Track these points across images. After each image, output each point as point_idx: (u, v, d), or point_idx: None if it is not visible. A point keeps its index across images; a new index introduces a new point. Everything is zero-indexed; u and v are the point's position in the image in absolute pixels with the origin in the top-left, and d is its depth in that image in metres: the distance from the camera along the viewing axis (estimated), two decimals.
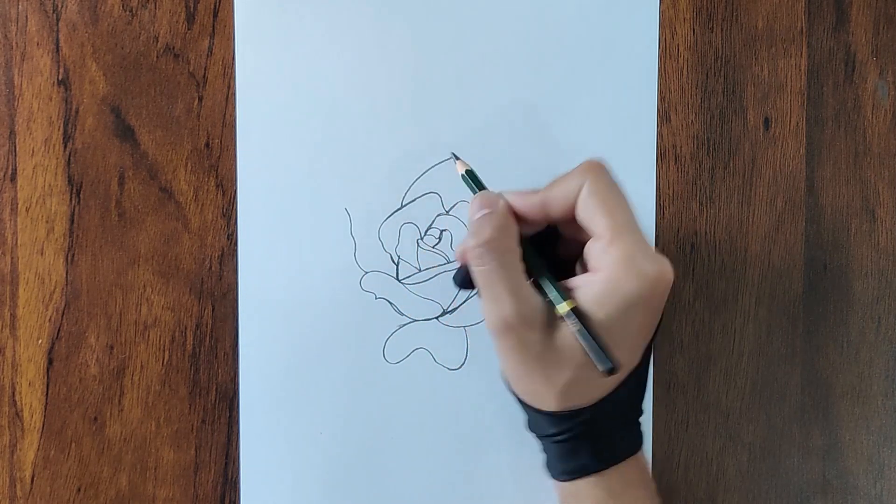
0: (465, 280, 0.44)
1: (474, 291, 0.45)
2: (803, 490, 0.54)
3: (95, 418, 0.52)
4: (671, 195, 0.53)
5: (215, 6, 0.52)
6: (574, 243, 0.44)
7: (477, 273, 0.43)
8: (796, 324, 0.54)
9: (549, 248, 0.45)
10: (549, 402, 0.43)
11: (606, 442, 0.44)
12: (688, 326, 0.54)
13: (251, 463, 0.52)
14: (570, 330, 0.41)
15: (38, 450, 0.52)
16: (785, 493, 0.54)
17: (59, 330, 0.52)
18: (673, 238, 0.53)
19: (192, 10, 0.52)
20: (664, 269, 0.42)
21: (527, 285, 0.42)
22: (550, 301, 0.42)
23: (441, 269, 0.52)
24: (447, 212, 0.52)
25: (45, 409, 0.52)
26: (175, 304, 0.52)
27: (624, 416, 0.45)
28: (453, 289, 0.52)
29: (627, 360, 0.43)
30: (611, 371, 0.40)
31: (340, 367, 0.52)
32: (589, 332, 0.41)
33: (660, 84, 0.53)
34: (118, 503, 0.52)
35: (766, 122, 0.54)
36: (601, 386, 0.43)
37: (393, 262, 0.52)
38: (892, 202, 0.54)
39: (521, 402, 0.45)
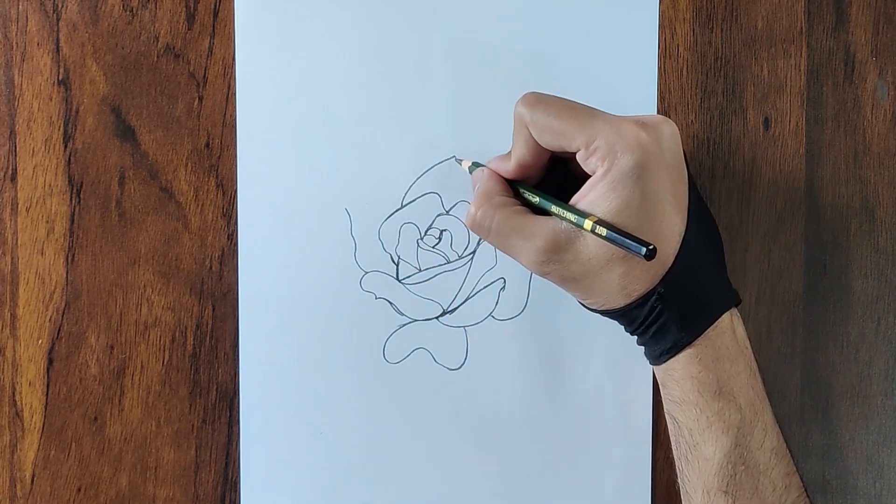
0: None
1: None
2: None
3: (95, 418, 0.52)
4: None
5: (215, 6, 0.52)
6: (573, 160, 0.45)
7: (489, 241, 0.46)
8: (796, 324, 0.54)
9: (560, 178, 0.46)
10: (618, 300, 0.44)
11: (691, 309, 0.44)
12: None
13: (251, 463, 0.52)
14: (597, 239, 0.42)
15: (38, 450, 0.52)
16: None
17: (59, 330, 0.52)
18: None
19: (192, 10, 0.52)
20: (651, 129, 0.42)
21: (533, 220, 0.44)
22: (565, 221, 0.43)
23: (441, 269, 0.52)
24: (447, 212, 0.52)
25: (46, 409, 0.52)
26: (175, 304, 0.52)
27: (701, 280, 0.44)
28: (453, 289, 0.52)
29: (668, 229, 0.43)
30: (651, 253, 0.40)
31: (340, 367, 0.52)
32: (616, 233, 0.41)
33: (660, 84, 0.53)
34: (118, 503, 0.52)
35: (766, 122, 0.54)
36: (658, 265, 0.43)
37: (393, 262, 0.52)
38: (892, 202, 0.54)
39: (598, 311, 0.46)
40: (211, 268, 0.52)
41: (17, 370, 0.52)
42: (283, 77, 0.52)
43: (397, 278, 0.52)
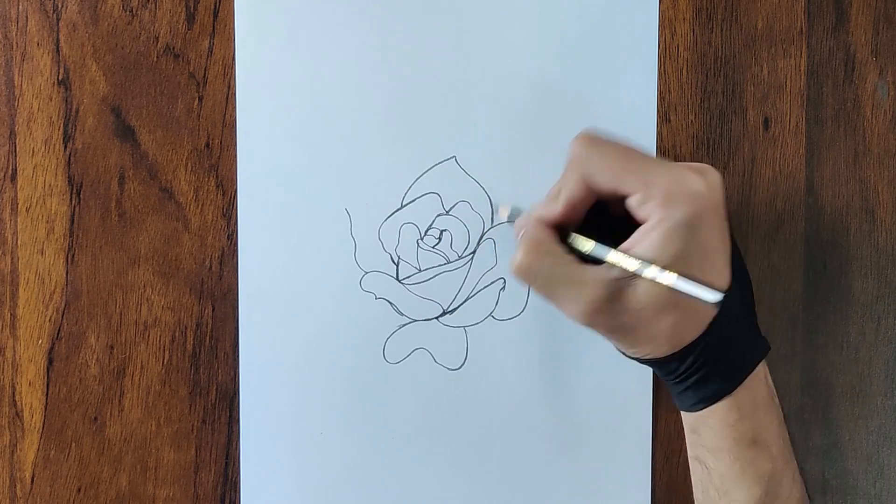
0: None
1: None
2: None
3: (95, 418, 0.52)
4: None
5: (215, 6, 0.52)
6: (617, 202, 0.44)
7: (536, 290, 0.44)
8: (796, 324, 0.54)
9: (601, 221, 0.45)
10: (662, 350, 0.43)
11: (732, 359, 0.44)
12: None
13: (251, 463, 0.52)
14: (662, 285, 0.41)
15: (38, 450, 0.52)
16: None
17: (59, 330, 0.52)
18: None
19: (192, 10, 0.52)
20: (705, 178, 0.42)
21: (581, 270, 0.43)
22: (616, 270, 0.42)
23: (441, 269, 0.52)
24: (447, 212, 0.52)
25: (46, 409, 0.52)
26: (175, 304, 0.52)
27: (740, 330, 0.44)
28: (453, 289, 0.52)
29: (718, 277, 0.42)
30: (720, 302, 0.40)
31: (340, 367, 0.52)
32: (682, 279, 0.41)
33: (660, 84, 0.53)
34: (118, 503, 0.52)
35: (766, 122, 0.54)
36: (704, 315, 0.43)
37: (393, 262, 0.52)
38: (892, 202, 0.54)
39: (637, 360, 0.46)
40: (211, 268, 0.52)
41: (17, 370, 0.52)
42: (283, 77, 0.52)
43: (397, 278, 0.52)
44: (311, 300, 0.52)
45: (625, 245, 0.43)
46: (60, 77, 0.51)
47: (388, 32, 0.52)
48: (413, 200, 0.52)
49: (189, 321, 0.52)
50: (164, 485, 0.52)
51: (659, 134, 0.53)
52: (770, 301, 0.54)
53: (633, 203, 0.42)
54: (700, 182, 0.41)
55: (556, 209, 0.44)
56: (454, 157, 0.52)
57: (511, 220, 0.48)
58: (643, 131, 0.53)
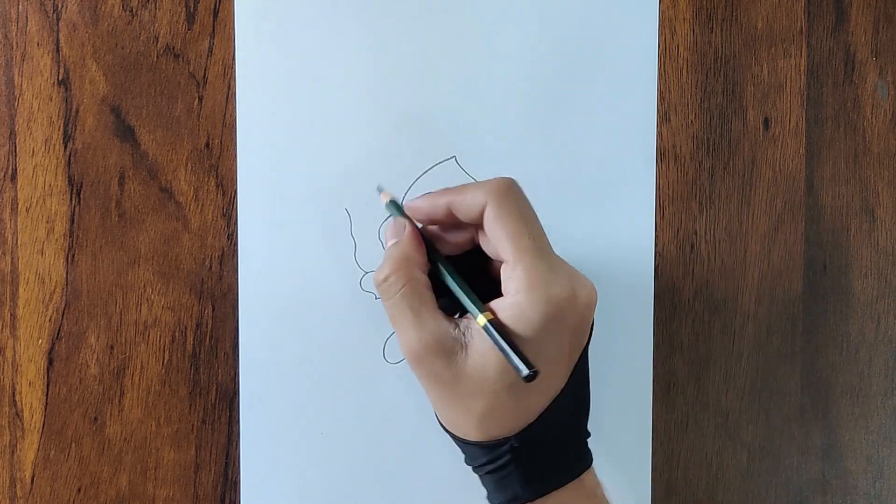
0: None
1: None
2: (803, 490, 0.55)
3: (95, 418, 0.52)
4: (671, 195, 0.53)
5: (215, 6, 0.52)
6: (495, 263, 0.44)
7: (385, 306, 0.43)
8: (796, 324, 0.54)
9: (478, 269, 0.44)
10: (470, 431, 0.43)
11: (539, 470, 0.42)
12: (687, 326, 0.54)
13: (251, 463, 0.52)
14: (490, 364, 0.40)
15: (38, 450, 0.52)
16: (784, 493, 0.54)
17: (59, 330, 0.52)
18: (673, 238, 0.53)
19: (192, 10, 0.52)
20: (576, 290, 0.41)
21: (432, 313, 0.42)
22: (458, 327, 0.42)
23: None
24: None
25: (46, 409, 0.52)
26: (175, 304, 0.52)
27: (560, 442, 0.43)
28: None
29: (547, 385, 0.42)
30: (530, 377, 0.39)
31: (340, 367, 0.52)
32: (505, 340, 0.39)
33: (660, 84, 0.53)
34: (118, 503, 0.52)
35: (766, 122, 0.54)
36: (523, 414, 0.42)
37: None
38: (892, 202, 0.54)
39: (448, 432, 0.45)
40: (211, 268, 0.52)
41: (17, 370, 0.52)
42: (283, 77, 0.52)
43: None
44: (311, 300, 0.52)
45: (492, 303, 0.42)
46: (60, 77, 0.51)
47: (388, 32, 0.52)
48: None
49: (189, 321, 0.52)
50: (164, 485, 0.52)
51: (659, 134, 0.53)
52: (770, 301, 0.54)
53: (503, 271, 0.42)
54: (568, 287, 0.41)
55: (439, 202, 0.43)
56: (454, 157, 0.52)
57: (388, 209, 0.47)
58: (643, 131, 0.53)
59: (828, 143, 0.54)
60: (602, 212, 0.53)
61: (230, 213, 0.52)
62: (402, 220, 0.45)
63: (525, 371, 0.39)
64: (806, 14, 0.54)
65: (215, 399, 0.52)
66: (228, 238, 0.52)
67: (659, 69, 0.53)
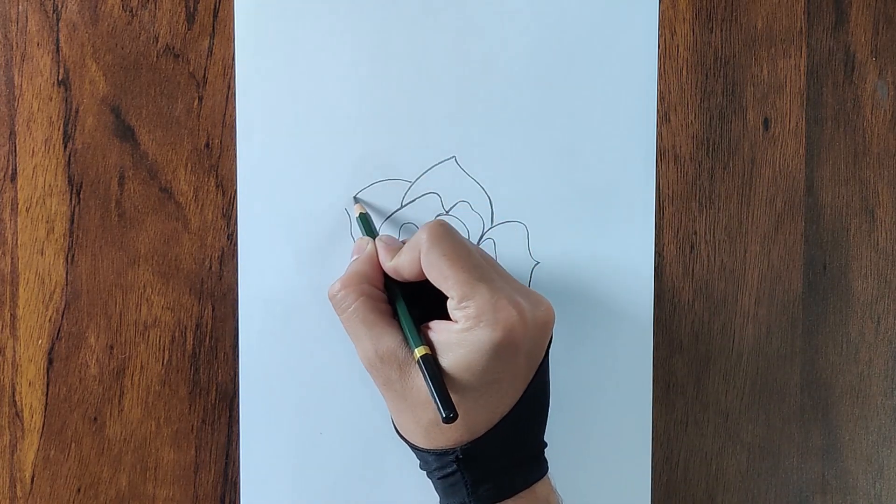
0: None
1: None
2: (803, 490, 0.55)
3: (95, 418, 0.52)
4: (671, 195, 0.53)
5: (215, 6, 0.52)
6: None
7: (340, 318, 0.46)
8: (796, 324, 0.54)
9: (433, 295, 0.45)
10: (419, 439, 0.44)
11: (487, 479, 0.44)
12: (687, 326, 0.54)
13: (251, 463, 0.52)
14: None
15: (38, 450, 0.52)
16: (784, 493, 0.54)
17: (59, 330, 0.52)
18: (673, 238, 0.53)
19: (192, 10, 0.52)
20: (525, 313, 0.42)
21: (385, 325, 0.44)
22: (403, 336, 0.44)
23: None
24: (447, 212, 0.52)
25: (45, 409, 0.52)
26: (175, 304, 0.52)
27: (511, 454, 0.44)
28: None
29: (496, 403, 0.43)
30: (448, 420, 0.40)
31: (340, 367, 0.52)
32: (432, 380, 0.41)
33: (660, 84, 0.53)
34: (118, 503, 0.52)
35: (766, 122, 0.54)
36: (470, 429, 0.43)
37: None
38: (892, 202, 0.54)
39: (401, 437, 0.46)
40: (211, 268, 0.52)
41: (17, 370, 0.52)
42: (283, 77, 0.52)
43: None
44: (311, 300, 0.52)
45: (431, 323, 0.44)
46: (60, 77, 0.51)
47: (388, 32, 0.52)
48: (413, 200, 0.52)
49: (189, 321, 0.52)
50: (164, 485, 0.52)
51: (659, 134, 0.53)
52: (770, 301, 0.54)
53: (449, 306, 0.43)
54: (513, 314, 0.42)
55: (386, 262, 0.46)
56: (454, 157, 0.52)
57: (358, 223, 0.50)
58: (643, 131, 0.53)
59: (828, 144, 0.54)
60: (602, 212, 0.53)
61: (230, 213, 0.52)
62: (366, 239, 0.48)
63: (443, 414, 0.40)
64: (806, 14, 0.54)
65: (215, 399, 0.52)
66: (228, 238, 0.52)
67: (659, 69, 0.53)
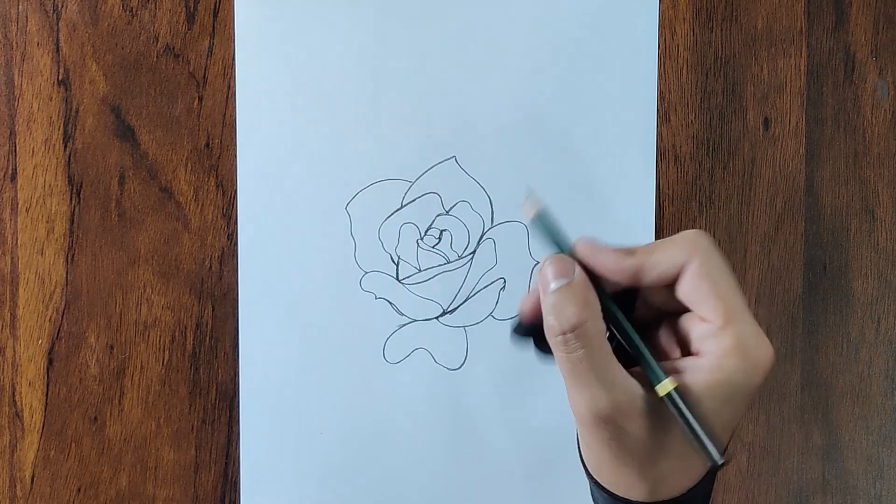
0: (527, 332, 0.39)
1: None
2: (803, 490, 0.55)
3: (95, 418, 0.52)
4: (671, 195, 0.53)
5: (215, 6, 0.52)
6: (652, 306, 0.39)
7: (562, 360, 0.37)
8: (796, 324, 0.54)
9: (628, 310, 0.39)
10: (639, 493, 0.38)
11: None
12: None
13: (251, 463, 0.52)
14: (671, 413, 0.36)
15: (38, 450, 0.52)
16: (785, 493, 0.54)
17: (59, 330, 0.52)
18: None
19: (192, 10, 0.52)
20: (770, 354, 0.37)
21: (621, 370, 0.36)
22: (649, 384, 0.36)
23: (441, 269, 0.52)
24: (447, 212, 0.52)
25: (45, 409, 0.52)
26: (175, 304, 0.52)
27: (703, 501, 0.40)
28: (453, 289, 0.52)
29: (720, 443, 0.37)
30: (719, 466, 0.34)
31: (340, 367, 0.52)
32: (694, 416, 0.35)
33: (660, 84, 0.53)
34: (118, 503, 0.52)
35: (766, 122, 0.54)
36: (692, 474, 0.38)
37: (393, 262, 0.52)
38: (892, 202, 0.54)
39: (601, 488, 0.40)
40: (211, 268, 0.52)
41: (17, 370, 0.52)
42: (283, 77, 0.52)
43: (397, 278, 0.52)
44: (311, 300, 0.52)
45: (667, 363, 0.37)
46: (60, 77, 0.51)
47: (388, 33, 0.52)
48: (413, 200, 0.52)
49: (189, 321, 0.52)
50: (164, 485, 0.52)
51: (659, 134, 0.53)
52: (770, 301, 0.54)
53: (698, 328, 0.37)
54: (767, 355, 0.36)
55: (624, 263, 0.37)
56: (454, 157, 0.52)
57: (534, 224, 0.39)
58: (643, 131, 0.53)
59: (828, 144, 0.54)
60: (602, 212, 0.53)
61: (230, 213, 0.52)
62: (566, 258, 0.38)
63: (718, 459, 0.34)
64: (806, 14, 0.54)
65: (215, 399, 0.52)
66: (228, 238, 0.52)
67: (659, 69, 0.53)
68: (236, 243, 0.52)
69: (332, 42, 0.52)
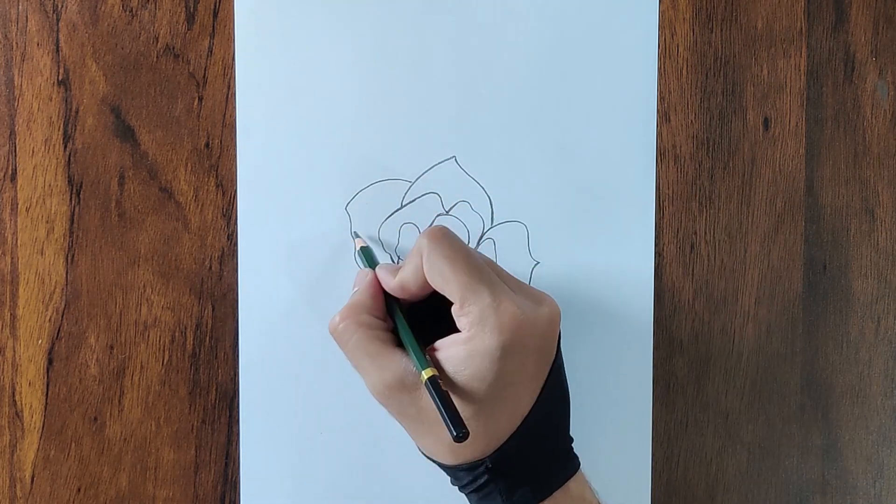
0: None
1: None
2: (803, 490, 0.55)
3: (95, 418, 0.52)
4: (671, 195, 0.53)
5: (215, 6, 0.52)
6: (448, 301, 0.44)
7: (343, 351, 0.45)
8: (796, 324, 0.54)
9: (445, 308, 0.44)
10: (445, 457, 0.44)
11: (520, 484, 0.43)
12: (687, 326, 0.54)
13: (251, 463, 0.52)
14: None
15: (38, 450, 0.52)
16: (784, 493, 0.54)
17: (59, 330, 0.52)
18: (673, 238, 0.53)
19: (192, 10, 0.52)
20: (530, 312, 0.42)
21: (389, 353, 0.43)
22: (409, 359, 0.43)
23: None
24: (447, 212, 0.52)
25: (45, 409, 0.52)
26: (175, 304, 0.52)
27: (539, 455, 0.44)
28: None
29: (514, 407, 0.43)
30: (459, 439, 0.40)
31: (340, 367, 0.52)
32: (439, 400, 0.41)
33: (660, 84, 0.53)
34: (118, 503, 0.52)
35: (766, 122, 0.54)
36: (493, 437, 0.43)
37: (393, 262, 0.52)
38: (892, 202, 0.54)
39: (428, 458, 0.46)
40: (211, 268, 0.52)
41: (17, 370, 0.52)
42: (283, 77, 0.52)
43: None
44: (311, 300, 0.52)
45: (438, 343, 0.43)
46: (60, 77, 0.51)
47: (388, 32, 0.52)
48: (413, 200, 0.52)
49: (189, 321, 0.52)
50: (164, 485, 0.52)
51: (659, 134, 0.53)
52: (770, 301, 0.54)
53: (454, 312, 0.43)
54: (518, 315, 0.41)
55: (390, 281, 0.45)
56: (454, 157, 0.52)
57: (359, 257, 0.50)
58: (643, 131, 0.53)
59: (828, 144, 0.54)
60: (602, 211, 0.53)
61: (230, 213, 0.52)
62: (366, 270, 0.47)
63: (453, 433, 0.40)
64: (806, 14, 0.54)
65: (215, 399, 0.52)
66: (228, 238, 0.52)
67: (659, 69, 0.53)
68: (236, 243, 0.52)
69: (332, 42, 0.52)
